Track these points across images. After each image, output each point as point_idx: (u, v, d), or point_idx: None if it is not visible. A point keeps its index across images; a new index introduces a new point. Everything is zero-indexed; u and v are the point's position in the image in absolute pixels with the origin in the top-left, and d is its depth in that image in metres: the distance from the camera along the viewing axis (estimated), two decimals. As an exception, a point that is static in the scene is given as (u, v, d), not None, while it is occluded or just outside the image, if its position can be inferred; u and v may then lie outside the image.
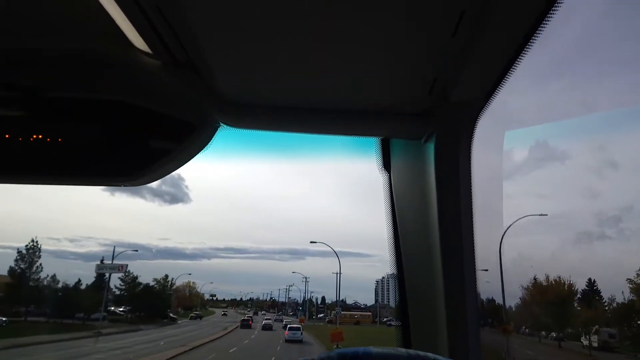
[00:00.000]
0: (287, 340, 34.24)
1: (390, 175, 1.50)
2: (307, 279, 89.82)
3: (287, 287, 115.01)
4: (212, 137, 1.28)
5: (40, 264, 43.18)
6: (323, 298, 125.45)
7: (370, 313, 74.84)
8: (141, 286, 57.25)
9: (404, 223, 1.43)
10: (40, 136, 1.20)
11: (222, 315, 79.52)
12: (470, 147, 1.17)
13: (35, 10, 0.92)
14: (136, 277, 56.39)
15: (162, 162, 1.24)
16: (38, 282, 42.85)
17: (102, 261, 57.05)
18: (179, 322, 59.61)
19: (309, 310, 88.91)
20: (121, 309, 54.89)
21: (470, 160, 1.17)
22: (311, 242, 37.28)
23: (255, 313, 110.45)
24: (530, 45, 0.88)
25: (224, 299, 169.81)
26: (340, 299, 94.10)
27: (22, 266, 42.24)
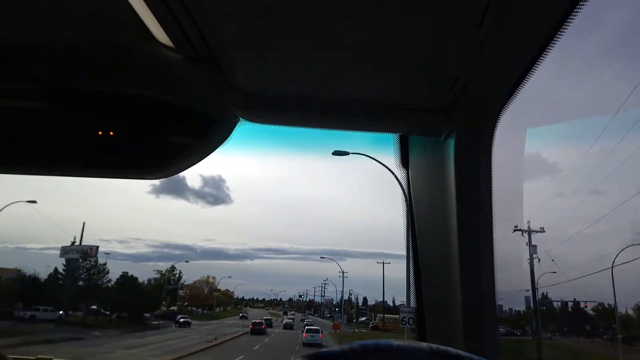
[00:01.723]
0: (305, 344, 30.30)
1: (408, 172, 1.48)
2: (345, 273, 73.32)
3: (323, 284, 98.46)
4: (231, 131, 1.29)
5: None
6: (365, 299, 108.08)
7: (427, 317, 56.98)
8: (107, 277, 41.82)
9: (422, 220, 1.41)
10: (63, 129, 1.23)
11: (240, 317, 64.09)
12: (491, 144, 1.15)
13: (57, 4, 0.92)
14: (97, 264, 40.85)
15: (183, 155, 1.26)
16: None
17: (72, 243, 43.08)
18: (179, 325, 44.12)
19: (348, 312, 72.11)
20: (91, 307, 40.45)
21: (491, 158, 1.15)
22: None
23: (285, 313, 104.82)
24: (555, 41, 0.87)
25: (263, 299, 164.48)
26: (379, 300, 77.19)
27: None
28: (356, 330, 52.62)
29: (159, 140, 1.26)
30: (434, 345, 0.63)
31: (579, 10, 0.77)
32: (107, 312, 41.95)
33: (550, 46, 0.87)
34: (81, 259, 38.86)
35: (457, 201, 1.13)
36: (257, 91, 1.17)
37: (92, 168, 1.27)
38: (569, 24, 0.81)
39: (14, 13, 0.95)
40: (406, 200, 1.48)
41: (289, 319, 64.56)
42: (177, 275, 68.36)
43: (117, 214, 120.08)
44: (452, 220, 1.15)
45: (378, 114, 1.25)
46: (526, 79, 0.99)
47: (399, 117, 1.26)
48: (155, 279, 64.23)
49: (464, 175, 1.13)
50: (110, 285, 41.61)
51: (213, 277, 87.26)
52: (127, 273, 43.81)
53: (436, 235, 1.29)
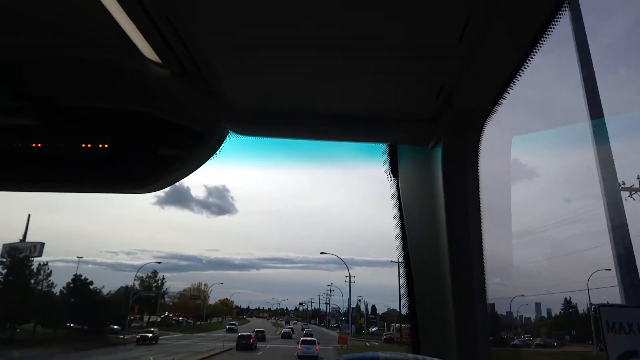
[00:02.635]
0: (300, 357, 28.43)
1: (398, 181, 1.49)
2: (351, 278, 64.62)
3: (328, 291, 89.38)
4: (220, 144, 1.31)
5: None
6: (373, 307, 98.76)
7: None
8: (49, 281, 32.86)
9: (412, 228, 1.43)
10: (53, 144, 1.23)
11: (227, 330, 54.38)
12: (477, 152, 1.18)
13: (47, 21, 0.95)
14: (27, 263, 31.78)
15: (172, 169, 1.27)
16: None
17: (20, 241, 34.76)
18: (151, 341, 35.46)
19: (356, 321, 62.89)
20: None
21: (477, 165, 1.18)
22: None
23: (287, 322, 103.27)
24: (537, 50, 0.89)
25: (269, 309, 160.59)
26: (392, 308, 68.22)
27: None
28: (367, 343, 43.72)
29: (149, 154, 1.26)
30: (420, 357, 0.65)
31: (557, 21, 0.80)
32: (70, 325, 33.67)
33: (531, 56, 0.90)
34: (8, 256, 30.26)
35: (446, 208, 1.13)
36: (245, 105, 1.18)
37: (83, 183, 1.27)
38: (548, 35, 0.83)
39: (6, 32, 0.98)
40: (397, 209, 1.47)
41: (289, 328, 64.44)
42: (160, 282, 59.83)
43: (123, 226, 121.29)
44: (441, 228, 1.15)
45: (367, 125, 1.25)
46: (509, 88, 1.01)
47: (387, 127, 1.26)
48: (127, 286, 55.76)
49: (452, 183, 1.14)
50: (54, 291, 33.13)
51: (205, 285, 78.41)
52: (80, 276, 35.17)
53: (427, 242, 1.29)
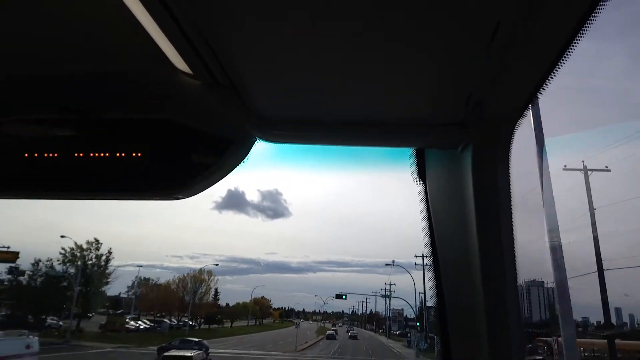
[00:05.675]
0: None
1: (426, 185, 1.51)
2: (423, 257, 37.57)
3: (386, 287, 62.60)
4: (248, 151, 1.36)
5: None
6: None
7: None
8: None
9: (442, 233, 1.44)
10: (90, 154, 1.31)
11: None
12: (508, 156, 1.18)
13: (84, 37, 1.01)
14: None
15: (204, 176, 1.33)
16: None
17: None
18: None
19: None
20: None
21: (508, 170, 1.18)
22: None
23: (333, 325, 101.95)
24: (568, 54, 0.89)
25: (326, 312, 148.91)
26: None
27: None
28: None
29: (181, 162, 1.32)
30: None
31: (591, 23, 0.78)
32: None
33: (563, 59, 0.89)
34: None
35: (476, 213, 1.14)
36: (273, 113, 1.21)
37: (118, 191, 1.33)
38: (580, 38, 0.82)
39: (44, 46, 1.04)
40: (425, 212, 1.50)
41: (333, 330, 68.49)
42: (106, 257, 36.32)
43: (186, 231, 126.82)
44: (472, 232, 1.17)
45: (395, 130, 1.27)
46: (540, 92, 1.01)
47: (415, 132, 1.28)
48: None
49: (482, 187, 1.15)
50: None
51: (209, 272, 55.10)
52: None
53: (457, 245, 1.30)
